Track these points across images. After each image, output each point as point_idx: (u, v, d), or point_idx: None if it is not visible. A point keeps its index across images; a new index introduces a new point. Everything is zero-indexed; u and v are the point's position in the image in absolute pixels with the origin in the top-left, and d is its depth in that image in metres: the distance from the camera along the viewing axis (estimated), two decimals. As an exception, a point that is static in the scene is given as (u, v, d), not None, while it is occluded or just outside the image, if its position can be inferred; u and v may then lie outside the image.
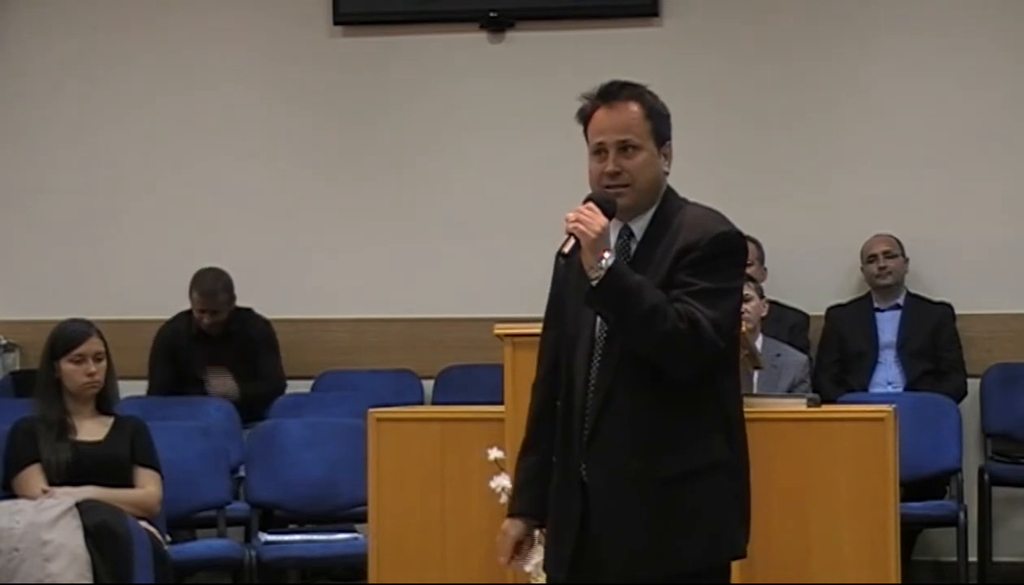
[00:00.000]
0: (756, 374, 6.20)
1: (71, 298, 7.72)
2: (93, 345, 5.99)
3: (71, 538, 5.57)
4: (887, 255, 7.71)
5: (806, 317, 7.81)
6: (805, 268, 7.90)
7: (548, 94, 7.85)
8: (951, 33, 7.93)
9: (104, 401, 6.04)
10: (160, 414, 6.88)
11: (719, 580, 3.73)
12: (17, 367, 8.22)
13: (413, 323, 8.12)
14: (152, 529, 5.85)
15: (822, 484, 4.85)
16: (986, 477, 7.38)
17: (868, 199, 7.88)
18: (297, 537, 6.69)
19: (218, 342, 7.88)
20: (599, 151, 3.73)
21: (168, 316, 7.96)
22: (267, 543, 6.53)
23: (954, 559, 7.07)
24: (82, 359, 5.97)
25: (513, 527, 3.82)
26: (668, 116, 3.82)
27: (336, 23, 8.28)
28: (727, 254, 3.69)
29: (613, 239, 3.68)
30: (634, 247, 3.70)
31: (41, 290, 8.27)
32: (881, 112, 7.96)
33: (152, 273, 8.22)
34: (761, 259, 7.79)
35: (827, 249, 7.90)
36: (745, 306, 6.80)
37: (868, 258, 7.76)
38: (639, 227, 3.72)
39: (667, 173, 3.79)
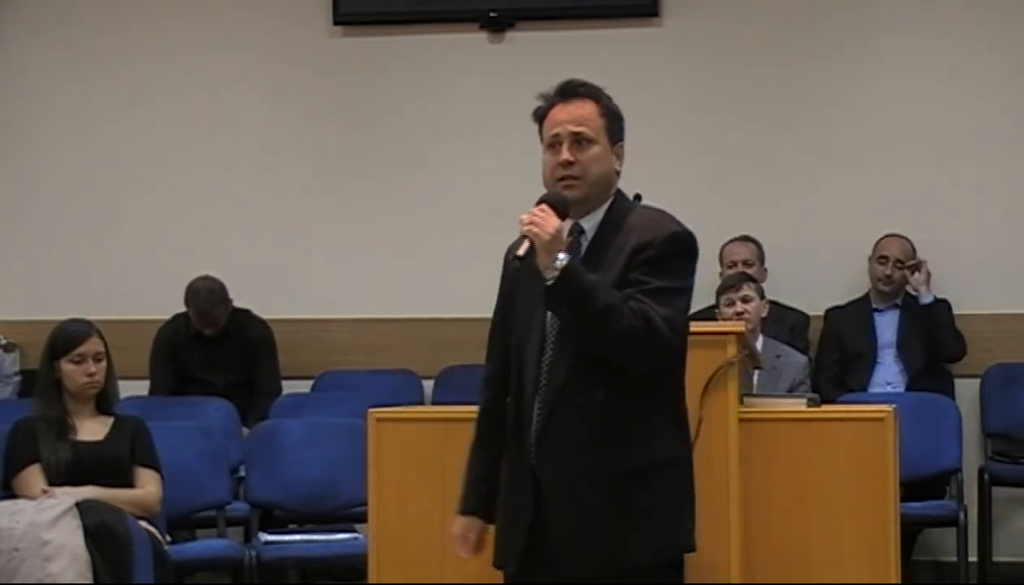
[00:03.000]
0: (756, 374, 6.19)
1: (71, 298, 7.71)
2: (93, 345, 5.99)
3: (71, 538, 5.57)
4: (898, 265, 7.67)
5: (806, 317, 7.80)
6: (805, 268, 7.90)
7: (548, 94, 7.86)
8: (951, 33, 7.93)
9: (104, 401, 6.04)
10: (160, 414, 6.88)
11: (673, 573, 3.79)
12: (17, 367, 8.22)
13: (413, 323, 8.12)
14: (152, 529, 5.85)
15: (822, 484, 4.85)
16: (986, 477, 7.38)
17: (868, 199, 7.88)
18: (297, 537, 6.69)
19: (216, 343, 7.88)
20: (554, 144, 3.80)
21: (168, 316, 7.97)
22: (267, 543, 6.53)
23: (954, 559, 7.07)
24: (82, 359, 5.97)
25: (471, 528, 3.92)
26: (622, 119, 3.90)
27: (336, 23, 8.28)
28: (680, 254, 3.75)
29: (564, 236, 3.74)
30: (585, 245, 3.76)
31: (41, 290, 8.27)
32: (881, 112, 7.96)
33: (152, 273, 8.22)
34: (761, 259, 7.79)
35: (827, 249, 7.90)
36: (745, 306, 6.80)
37: (878, 258, 7.73)
38: (590, 225, 3.78)
39: (619, 173, 3.86)
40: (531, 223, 3.61)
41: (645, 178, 7.74)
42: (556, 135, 3.79)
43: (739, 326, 5.11)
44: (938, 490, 7.15)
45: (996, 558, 7.45)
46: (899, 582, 4.87)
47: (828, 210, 7.92)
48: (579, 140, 3.77)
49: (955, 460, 7.13)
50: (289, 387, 7.97)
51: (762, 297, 7.01)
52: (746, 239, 7.80)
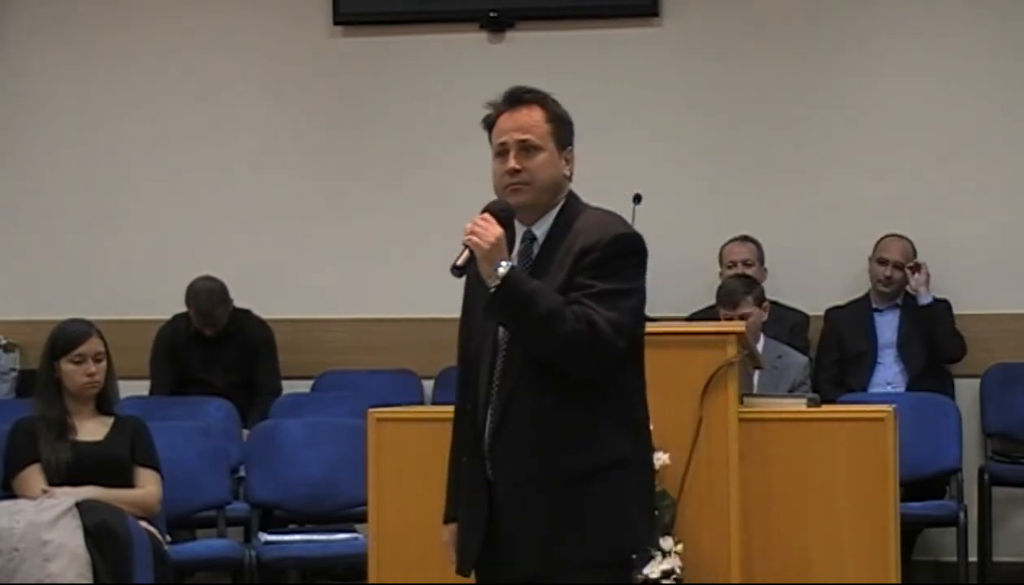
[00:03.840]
0: (756, 374, 6.20)
1: (71, 298, 7.71)
2: (93, 345, 5.99)
3: (71, 538, 5.57)
4: (897, 266, 7.68)
5: (806, 317, 7.80)
6: (805, 268, 7.89)
7: (548, 94, 7.86)
8: (951, 33, 7.93)
9: (104, 401, 6.04)
10: (160, 414, 6.88)
11: (621, 574, 3.80)
12: (17, 366, 8.21)
13: (413, 323, 8.12)
14: (152, 529, 5.85)
15: (822, 484, 4.86)
16: (986, 477, 7.38)
17: (868, 199, 7.88)
18: (297, 537, 6.69)
19: (216, 343, 7.88)
20: (501, 152, 3.83)
21: (168, 316, 7.96)
22: (267, 543, 6.53)
23: (954, 559, 7.07)
24: (82, 359, 5.96)
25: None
26: (571, 124, 3.90)
27: (336, 23, 8.28)
28: (626, 255, 3.73)
29: (517, 244, 3.78)
30: (536, 251, 3.79)
31: (41, 290, 8.27)
32: (881, 112, 7.95)
33: (152, 273, 8.22)
34: (761, 259, 7.79)
35: (827, 249, 7.90)
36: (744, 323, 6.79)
37: (879, 259, 7.73)
38: (541, 231, 3.81)
39: (569, 178, 3.86)
40: (471, 233, 3.66)
41: (645, 178, 7.80)
42: (503, 144, 3.82)
43: (739, 326, 5.12)
44: (938, 490, 7.15)
45: (996, 558, 7.45)
46: (899, 582, 4.88)
47: (828, 210, 7.92)
48: (525, 148, 3.80)
49: (955, 460, 7.13)
50: (289, 387, 7.97)
51: (761, 304, 6.99)
52: (746, 239, 7.79)
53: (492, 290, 3.63)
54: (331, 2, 8.25)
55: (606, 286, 3.66)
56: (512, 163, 3.80)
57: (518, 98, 3.88)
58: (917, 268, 7.63)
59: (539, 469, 3.67)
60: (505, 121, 3.85)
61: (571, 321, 3.60)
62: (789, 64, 8.01)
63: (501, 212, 3.74)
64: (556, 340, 3.61)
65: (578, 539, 3.67)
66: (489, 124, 3.90)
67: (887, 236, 7.72)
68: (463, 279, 3.82)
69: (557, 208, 3.82)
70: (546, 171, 3.80)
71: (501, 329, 3.74)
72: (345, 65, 8.29)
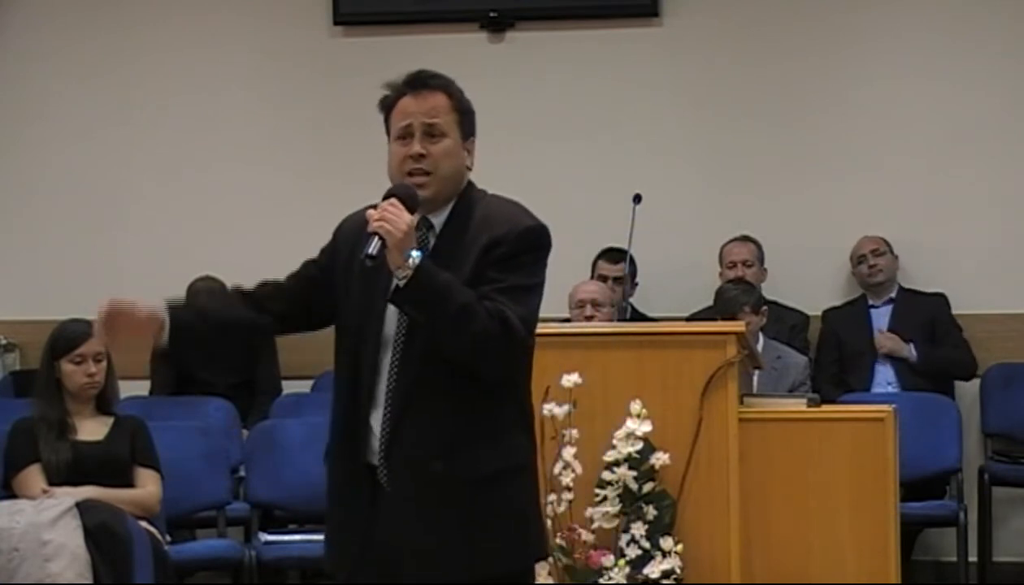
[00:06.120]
0: (756, 374, 6.20)
1: (71, 298, 7.67)
2: (93, 345, 5.98)
3: (71, 538, 5.57)
4: (875, 253, 7.71)
5: (806, 318, 7.80)
6: (805, 268, 7.89)
7: (548, 94, 7.86)
8: (949, 33, 7.93)
9: (104, 401, 6.04)
10: (160, 414, 6.87)
11: (525, 582, 3.66)
12: (17, 367, 8.21)
13: (413, 323, 8.11)
14: (152, 529, 5.85)
15: (822, 484, 4.86)
16: (986, 477, 7.38)
17: (868, 199, 7.88)
18: (297, 537, 6.68)
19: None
20: (404, 135, 3.67)
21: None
22: (267, 543, 6.53)
23: (954, 559, 7.07)
24: (82, 360, 5.97)
25: (142, 309, 3.88)
26: (473, 113, 3.76)
27: (336, 23, 8.28)
28: (534, 249, 3.59)
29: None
30: (432, 240, 3.61)
31: (41, 290, 8.27)
32: (881, 112, 7.95)
33: (152, 273, 8.20)
34: (761, 259, 7.79)
35: (827, 250, 7.89)
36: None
37: (857, 260, 7.76)
38: (439, 220, 3.64)
39: (469, 169, 3.73)
40: (382, 219, 3.47)
41: (645, 178, 7.79)
42: (407, 126, 3.66)
43: (739, 326, 5.12)
44: (938, 490, 7.15)
45: (996, 558, 7.45)
46: (899, 582, 4.88)
47: (828, 210, 7.92)
48: (431, 133, 3.65)
49: (955, 460, 7.13)
50: (289, 387, 7.97)
51: (759, 310, 6.98)
52: (746, 239, 7.80)
53: (402, 282, 3.43)
54: (331, 2, 8.25)
55: (516, 281, 3.50)
56: (416, 147, 3.62)
57: (423, 82, 3.72)
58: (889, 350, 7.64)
59: (443, 473, 3.47)
60: (409, 103, 3.69)
61: (484, 318, 3.42)
62: (790, 64, 8.01)
63: (408, 198, 3.54)
64: (469, 336, 3.42)
65: (484, 547, 3.49)
66: (387, 106, 3.72)
67: (857, 241, 7.74)
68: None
69: (455, 198, 3.66)
70: (450, 161, 3.65)
71: (391, 322, 3.56)
72: (345, 65, 8.29)
